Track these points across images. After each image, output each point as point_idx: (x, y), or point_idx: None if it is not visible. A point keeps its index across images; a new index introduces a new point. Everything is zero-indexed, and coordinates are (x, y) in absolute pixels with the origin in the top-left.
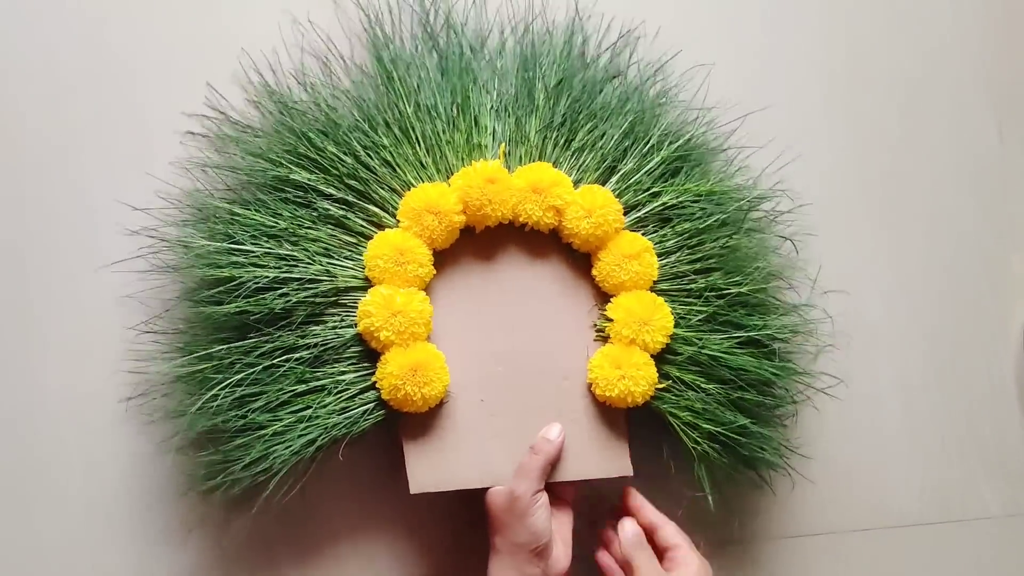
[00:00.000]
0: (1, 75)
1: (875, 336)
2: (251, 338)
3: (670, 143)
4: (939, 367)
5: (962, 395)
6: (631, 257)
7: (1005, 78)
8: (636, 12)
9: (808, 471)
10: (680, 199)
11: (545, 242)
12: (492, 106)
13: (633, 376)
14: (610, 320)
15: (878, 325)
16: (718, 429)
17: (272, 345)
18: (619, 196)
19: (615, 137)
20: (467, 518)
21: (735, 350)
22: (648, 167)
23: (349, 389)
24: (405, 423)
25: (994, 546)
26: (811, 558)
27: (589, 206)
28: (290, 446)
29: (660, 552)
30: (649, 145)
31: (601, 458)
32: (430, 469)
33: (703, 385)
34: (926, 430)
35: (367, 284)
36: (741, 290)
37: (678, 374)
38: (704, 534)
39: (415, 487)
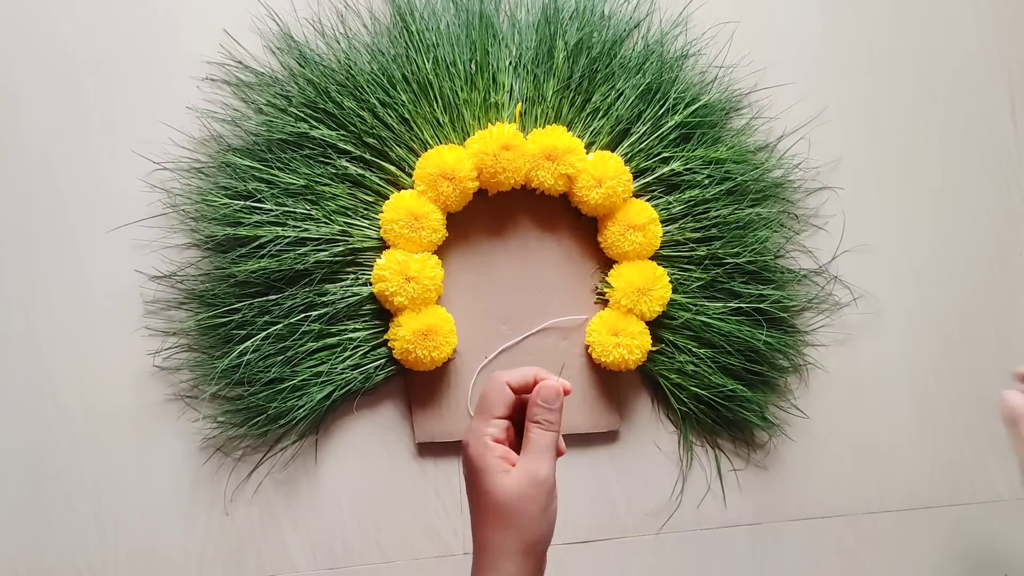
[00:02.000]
0: (16, 27)
1: (885, 318)
2: (272, 296)
3: (686, 106)
4: (950, 350)
5: (972, 378)
6: (636, 228)
7: (1019, 59)
8: None
9: (817, 455)
10: (689, 165)
11: (554, 206)
12: (511, 62)
13: (628, 345)
14: (611, 286)
15: (889, 308)
16: (704, 393)
17: (291, 303)
18: (629, 161)
19: (631, 99)
20: (447, 447)
21: (728, 317)
22: (661, 131)
23: (363, 346)
24: (413, 379)
25: (1004, 529)
26: (820, 540)
27: (600, 175)
28: (308, 400)
29: None
30: (664, 107)
31: (594, 414)
32: (434, 421)
33: (694, 349)
34: (936, 413)
35: (382, 245)
36: (738, 261)
37: (672, 338)
38: (713, 515)
39: (420, 437)
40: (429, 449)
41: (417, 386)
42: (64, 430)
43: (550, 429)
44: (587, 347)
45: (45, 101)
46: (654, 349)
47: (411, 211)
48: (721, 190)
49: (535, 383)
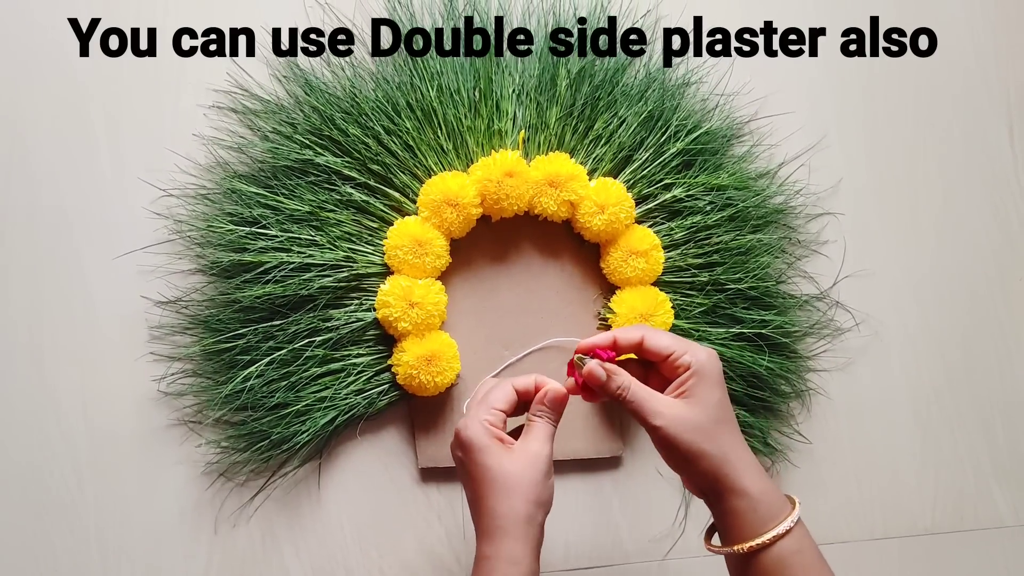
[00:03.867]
0: (24, 53)
1: (887, 344)
2: (276, 322)
3: (688, 133)
4: (951, 374)
5: (974, 402)
6: (639, 254)
7: (1017, 85)
8: None
9: (819, 481)
10: (691, 192)
11: (557, 232)
12: (514, 90)
13: None
14: (613, 312)
15: (890, 333)
16: None
17: (295, 328)
18: (631, 187)
19: (633, 126)
20: (452, 471)
21: (731, 343)
22: (663, 158)
23: (366, 372)
24: (416, 404)
25: (1007, 555)
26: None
27: (603, 202)
28: (312, 425)
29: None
30: (666, 135)
31: (596, 440)
32: (437, 447)
33: None
34: (938, 438)
35: (386, 271)
36: (740, 287)
37: None
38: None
39: (424, 461)
40: (432, 474)
41: (420, 411)
42: (68, 454)
43: (550, 422)
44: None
45: (53, 128)
46: None
47: (415, 237)
48: (723, 216)
49: (536, 389)
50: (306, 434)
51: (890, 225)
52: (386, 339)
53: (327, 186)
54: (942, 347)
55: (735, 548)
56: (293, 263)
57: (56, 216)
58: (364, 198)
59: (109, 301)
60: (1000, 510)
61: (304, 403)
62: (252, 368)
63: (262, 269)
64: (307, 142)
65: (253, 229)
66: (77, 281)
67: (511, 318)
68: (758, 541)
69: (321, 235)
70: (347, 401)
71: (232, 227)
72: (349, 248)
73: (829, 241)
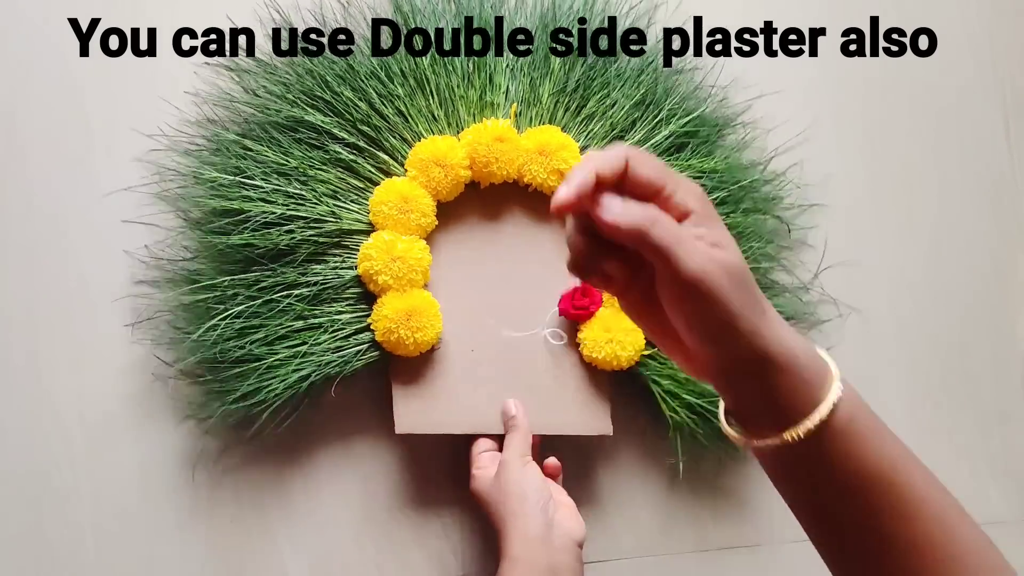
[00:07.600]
0: (18, 52)
1: (881, 340)
2: (254, 271)
3: (680, 117)
4: (946, 371)
5: (969, 398)
6: None
7: (1013, 79)
8: None
9: None
10: (684, 174)
11: (546, 202)
12: (508, 64)
13: (621, 341)
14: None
15: (884, 329)
16: (697, 401)
17: (274, 280)
18: None
19: (626, 107)
20: (447, 464)
21: None
22: (655, 139)
23: (344, 329)
24: (395, 366)
25: (1004, 552)
26: (817, 563)
27: None
28: (284, 380)
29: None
30: (658, 118)
31: (583, 416)
32: (416, 412)
33: None
34: (934, 435)
35: (371, 228)
36: None
37: None
38: (713, 537)
39: (400, 428)
40: (407, 440)
41: (399, 374)
42: (62, 446)
43: (506, 431)
44: (578, 344)
45: (51, 127)
46: (646, 353)
47: (401, 194)
48: (714, 199)
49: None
50: (280, 385)
51: (885, 219)
52: (367, 298)
53: (315, 144)
54: (937, 343)
55: (787, 436)
56: (277, 212)
57: (52, 213)
58: (352, 158)
59: (104, 297)
60: (995, 505)
61: (279, 357)
62: (228, 318)
63: (245, 216)
64: (298, 100)
65: (238, 178)
66: (73, 276)
67: (497, 287)
68: (818, 419)
69: (307, 189)
70: (324, 358)
71: (217, 174)
72: (334, 204)
73: (822, 233)
